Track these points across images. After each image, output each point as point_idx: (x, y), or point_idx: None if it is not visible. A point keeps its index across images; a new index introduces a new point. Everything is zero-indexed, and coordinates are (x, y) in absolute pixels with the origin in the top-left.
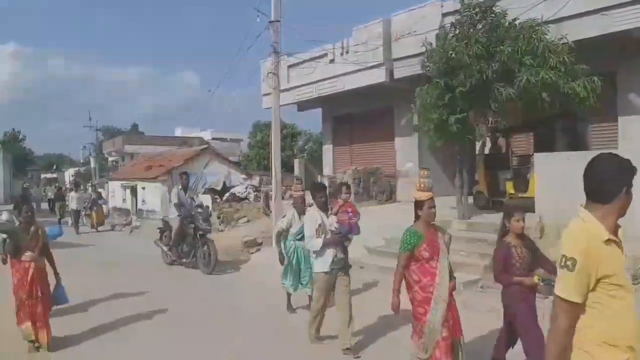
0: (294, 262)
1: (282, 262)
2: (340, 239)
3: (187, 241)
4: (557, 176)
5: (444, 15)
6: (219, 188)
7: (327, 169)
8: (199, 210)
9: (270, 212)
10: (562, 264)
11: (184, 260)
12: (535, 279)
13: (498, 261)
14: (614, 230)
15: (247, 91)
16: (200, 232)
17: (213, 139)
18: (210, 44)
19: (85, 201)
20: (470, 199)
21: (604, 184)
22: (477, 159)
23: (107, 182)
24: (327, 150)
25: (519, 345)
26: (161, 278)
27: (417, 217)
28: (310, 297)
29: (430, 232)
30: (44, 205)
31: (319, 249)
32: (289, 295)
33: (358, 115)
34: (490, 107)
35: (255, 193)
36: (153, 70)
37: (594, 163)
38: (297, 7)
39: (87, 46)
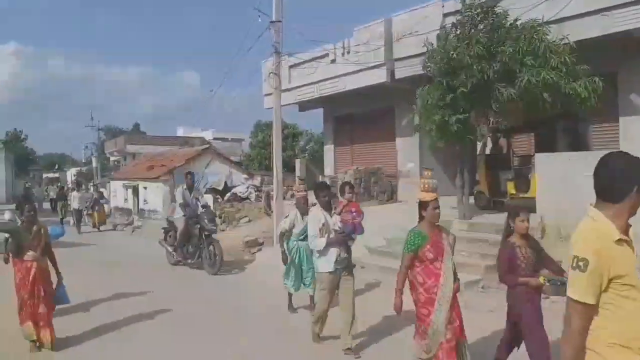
0: (296, 262)
1: (285, 262)
2: (344, 239)
3: (192, 242)
4: (558, 176)
5: (445, 15)
6: (220, 188)
7: (329, 169)
8: (204, 210)
9: (272, 212)
10: (574, 265)
11: (190, 260)
12: (541, 279)
13: (503, 262)
14: (625, 229)
15: (248, 91)
16: (206, 233)
17: (214, 138)
18: (211, 44)
19: (87, 201)
20: (471, 199)
21: (615, 183)
22: (478, 159)
23: (109, 182)
24: (328, 150)
25: (522, 347)
26: (164, 278)
27: (421, 217)
28: (312, 298)
29: (435, 233)
30: (46, 205)
31: (322, 248)
32: (290, 295)
33: (359, 116)
34: (492, 107)
35: (256, 193)
36: (154, 70)
37: (604, 161)
38: (298, 7)
39: (88, 46)
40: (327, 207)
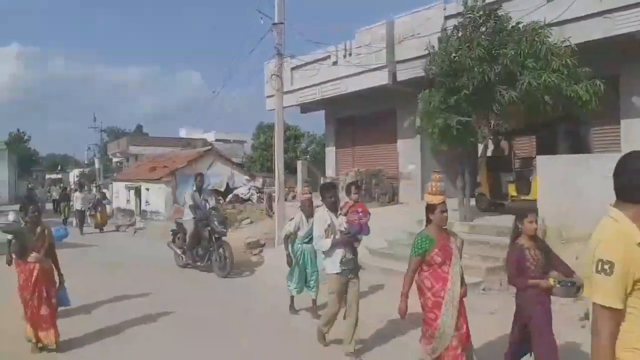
0: (300, 264)
1: (289, 265)
2: (349, 239)
3: (202, 244)
4: (559, 179)
5: (447, 18)
6: (222, 189)
7: (330, 171)
8: (214, 212)
9: (273, 213)
10: (599, 268)
11: (199, 263)
12: (551, 281)
13: (512, 264)
14: None
15: (250, 92)
16: (216, 235)
17: (217, 140)
18: (213, 44)
19: (89, 202)
20: (472, 201)
21: (635, 183)
22: (479, 161)
23: (112, 183)
24: (330, 152)
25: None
26: (172, 280)
27: (428, 220)
28: (314, 301)
29: (442, 237)
30: (49, 206)
31: (327, 249)
32: (292, 297)
33: (361, 118)
34: (493, 109)
35: (258, 194)
36: (155, 70)
37: (624, 161)
38: (300, 9)
39: (89, 46)
40: (333, 208)
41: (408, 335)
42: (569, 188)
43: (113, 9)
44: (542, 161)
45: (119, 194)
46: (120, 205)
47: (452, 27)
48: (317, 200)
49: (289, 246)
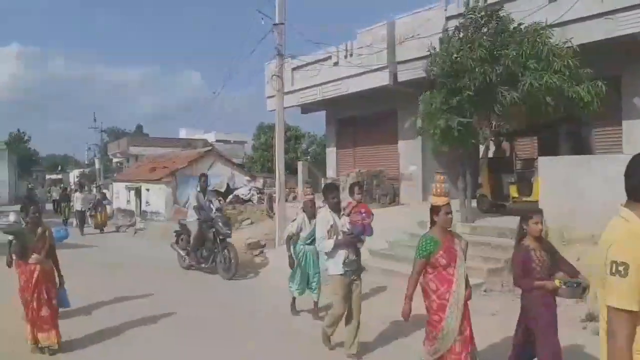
0: (303, 266)
1: (291, 266)
2: (352, 240)
3: (206, 246)
4: (561, 180)
5: (448, 18)
6: (222, 190)
7: (331, 172)
8: (219, 214)
9: (274, 214)
10: (613, 270)
11: (204, 265)
12: (557, 282)
13: (517, 265)
14: None
15: (251, 93)
16: (221, 237)
17: (217, 140)
18: (213, 44)
19: (90, 202)
20: (474, 203)
21: None
22: (480, 162)
23: (112, 184)
24: (331, 152)
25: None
26: (175, 282)
27: (432, 222)
28: (316, 303)
29: (447, 239)
30: (49, 206)
31: (330, 250)
32: (293, 298)
33: (362, 118)
34: (494, 110)
35: (258, 195)
36: (158, 70)
37: (636, 161)
38: (301, 9)
39: (89, 46)
40: (336, 209)
41: (410, 337)
42: (570, 189)
43: (113, 9)
44: (543, 162)
45: (119, 195)
46: (121, 205)
47: (453, 28)
48: (319, 201)
49: (291, 247)
